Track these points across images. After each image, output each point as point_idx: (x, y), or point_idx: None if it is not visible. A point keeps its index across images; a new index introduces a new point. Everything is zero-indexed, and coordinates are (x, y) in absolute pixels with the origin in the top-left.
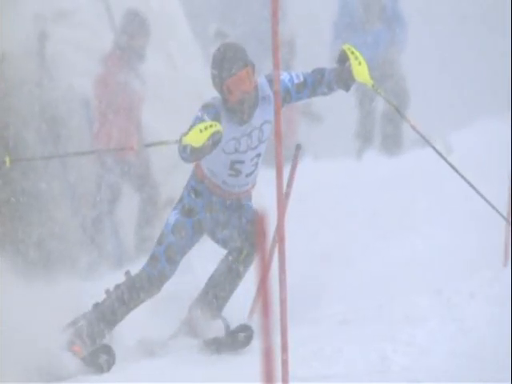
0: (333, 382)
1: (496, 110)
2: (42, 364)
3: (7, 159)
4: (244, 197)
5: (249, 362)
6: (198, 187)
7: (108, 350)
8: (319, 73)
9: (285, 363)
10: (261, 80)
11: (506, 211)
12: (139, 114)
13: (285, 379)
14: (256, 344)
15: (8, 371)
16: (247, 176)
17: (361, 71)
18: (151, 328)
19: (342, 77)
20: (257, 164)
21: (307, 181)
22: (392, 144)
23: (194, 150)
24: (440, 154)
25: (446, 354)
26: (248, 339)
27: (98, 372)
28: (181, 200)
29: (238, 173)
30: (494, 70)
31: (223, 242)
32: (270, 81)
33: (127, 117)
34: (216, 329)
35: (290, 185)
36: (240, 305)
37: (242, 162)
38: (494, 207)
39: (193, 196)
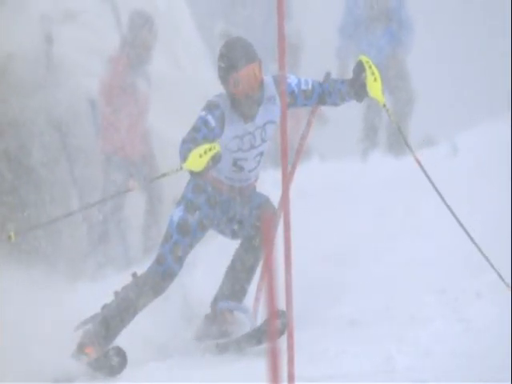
0: (338, 382)
1: (499, 112)
2: (49, 366)
3: (12, 234)
4: (247, 189)
5: (255, 362)
6: (200, 182)
7: (119, 352)
8: (330, 84)
9: (291, 363)
10: (267, 79)
11: (507, 211)
12: (145, 115)
13: (291, 379)
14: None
15: (13, 373)
16: (250, 171)
17: (375, 87)
18: (157, 329)
19: (356, 88)
20: (259, 161)
21: (313, 181)
22: (398, 145)
23: (195, 173)
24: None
25: (452, 354)
26: (284, 326)
27: (111, 374)
28: (183, 197)
29: (240, 169)
30: (497, 71)
31: (233, 234)
32: (277, 81)
33: (133, 118)
34: (241, 322)
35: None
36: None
37: (244, 160)
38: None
39: (196, 192)
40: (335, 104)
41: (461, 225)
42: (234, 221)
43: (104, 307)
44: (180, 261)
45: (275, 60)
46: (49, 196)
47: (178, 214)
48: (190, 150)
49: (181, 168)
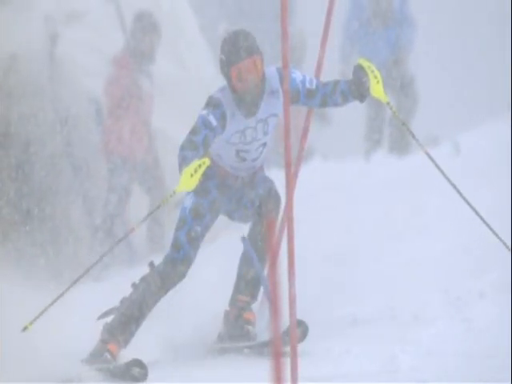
0: (341, 381)
1: (500, 112)
2: (54, 367)
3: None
4: (253, 176)
5: (258, 362)
6: (207, 171)
7: (139, 364)
8: (332, 85)
9: (294, 363)
10: (271, 72)
11: (507, 211)
12: (149, 115)
13: (294, 379)
14: None
15: (17, 374)
16: (253, 161)
17: (377, 89)
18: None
19: (359, 89)
20: (263, 151)
21: (316, 181)
22: (400, 144)
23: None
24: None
25: (454, 354)
26: (304, 335)
27: (133, 382)
28: None
29: (243, 159)
30: (498, 71)
31: (242, 219)
32: (282, 75)
33: (137, 118)
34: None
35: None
36: None
37: (247, 151)
38: (489, 226)
39: (204, 178)
40: (337, 104)
41: (476, 213)
42: (242, 206)
43: (123, 300)
44: (195, 246)
45: (279, 60)
46: (52, 194)
47: (189, 200)
48: (185, 160)
49: (174, 193)
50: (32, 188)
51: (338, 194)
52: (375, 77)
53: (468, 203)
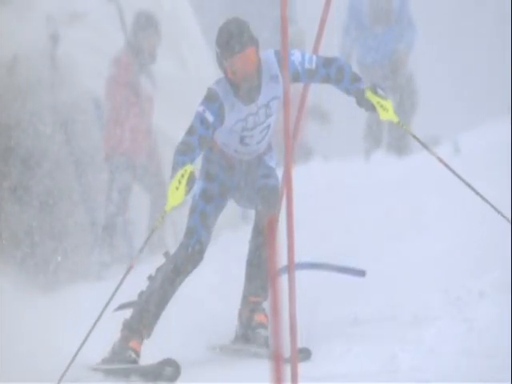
0: (342, 381)
1: (500, 112)
2: (54, 366)
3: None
4: (257, 159)
5: (258, 362)
6: (213, 156)
7: (172, 363)
8: (336, 74)
9: (294, 363)
10: (269, 58)
11: (507, 211)
12: (150, 115)
13: (294, 379)
14: None
15: (17, 373)
16: (258, 143)
17: (386, 115)
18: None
19: (364, 106)
20: (267, 133)
21: (316, 181)
22: (400, 145)
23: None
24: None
25: (455, 353)
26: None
27: (165, 382)
28: (201, 169)
29: (247, 144)
30: (498, 71)
31: (246, 205)
32: (280, 59)
33: (138, 118)
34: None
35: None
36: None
37: (251, 137)
38: (497, 210)
39: (210, 162)
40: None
41: (485, 200)
42: (246, 192)
43: (141, 294)
44: (208, 228)
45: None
46: (53, 194)
47: (199, 185)
48: (175, 168)
49: (165, 212)
50: (33, 187)
51: (338, 193)
52: (384, 109)
53: (476, 192)
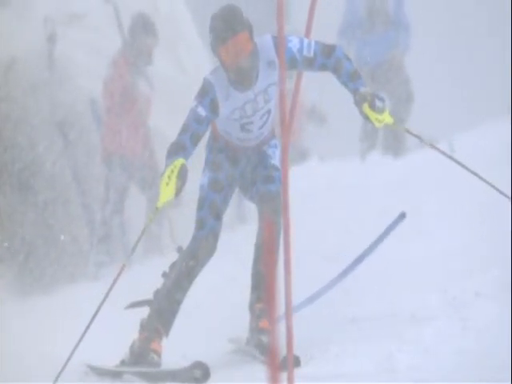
0: (339, 381)
1: (499, 112)
2: (49, 365)
3: None
4: (263, 144)
5: (254, 362)
6: (215, 146)
7: (201, 366)
8: (334, 66)
9: (290, 362)
10: (266, 43)
11: (508, 212)
12: (147, 116)
13: (290, 378)
14: None
15: (14, 373)
16: (260, 128)
17: (381, 123)
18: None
19: (359, 108)
20: (268, 117)
21: (312, 181)
22: (396, 145)
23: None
24: (450, 156)
25: (453, 353)
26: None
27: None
28: (206, 161)
29: (249, 131)
30: (498, 71)
31: (251, 199)
32: (278, 44)
33: (135, 119)
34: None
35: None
36: (243, 306)
37: (251, 123)
38: (497, 189)
39: (214, 152)
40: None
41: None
42: (253, 185)
43: (157, 292)
44: (219, 218)
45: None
46: (51, 195)
47: (206, 176)
48: (166, 167)
49: (157, 209)
50: (30, 188)
51: (334, 194)
52: (380, 121)
53: (485, 181)
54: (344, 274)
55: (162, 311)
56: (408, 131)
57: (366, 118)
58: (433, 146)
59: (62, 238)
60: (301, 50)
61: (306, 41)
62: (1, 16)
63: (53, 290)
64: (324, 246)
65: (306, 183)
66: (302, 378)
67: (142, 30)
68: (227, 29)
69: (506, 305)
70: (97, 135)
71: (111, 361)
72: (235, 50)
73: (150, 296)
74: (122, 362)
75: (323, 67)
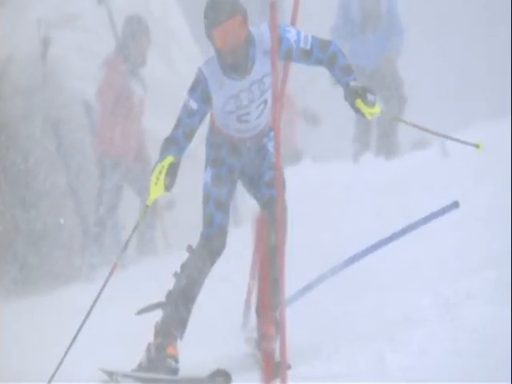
0: (331, 381)
1: (492, 115)
2: (44, 367)
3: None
4: (262, 135)
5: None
6: (215, 140)
7: (224, 373)
8: (329, 61)
9: (283, 363)
10: (263, 32)
11: (508, 212)
12: (140, 118)
13: (283, 379)
14: None
15: (11, 374)
16: (257, 118)
17: (371, 115)
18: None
19: (350, 102)
20: (265, 107)
21: (305, 183)
22: (389, 147)
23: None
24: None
25: (445, 353)
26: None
27: None
28: (207, 157)
29: (247, 121)
30: (492, 73)
31: (254, 196)
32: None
33: (129, 120)
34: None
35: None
36: (236, 307)
37: (248, 114)
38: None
39: (214, 148)
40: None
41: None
42: (255, 180)
43: (169, 294)
44: (226, 213)
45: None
46: (44, 197)
47: (208, 173)
48: (159, 161)
49: (147, 206)
50: (24, 189)
51: (327, 195)
52: (371, 114)
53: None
54: (362, 255)
55: (176, 313)
56: (398, 119)
57: (358, 111)
58: (428, 131)
59: (62, 221)
60: (298, 41)
61: (302, 33)
62: None
63: (46, 292)
64: (317, 247)
65: (299, 184)
66: (295, 379)
67: (136, 31)
68: (221, 11)
69: (499, 305)
70: (90, 136)
71: (125, 366)
72: (229, 33)
73: (149, 297)
74: (140, 366)
75: (318, 62)
